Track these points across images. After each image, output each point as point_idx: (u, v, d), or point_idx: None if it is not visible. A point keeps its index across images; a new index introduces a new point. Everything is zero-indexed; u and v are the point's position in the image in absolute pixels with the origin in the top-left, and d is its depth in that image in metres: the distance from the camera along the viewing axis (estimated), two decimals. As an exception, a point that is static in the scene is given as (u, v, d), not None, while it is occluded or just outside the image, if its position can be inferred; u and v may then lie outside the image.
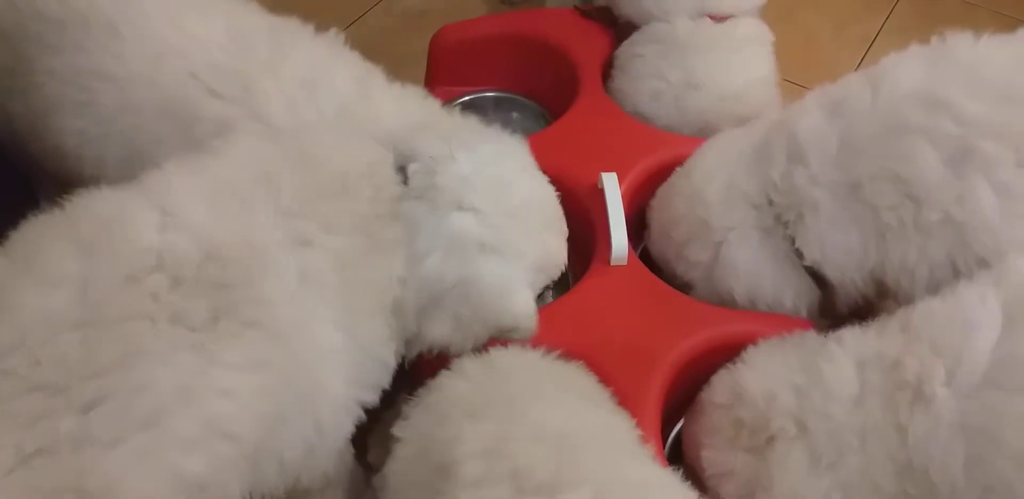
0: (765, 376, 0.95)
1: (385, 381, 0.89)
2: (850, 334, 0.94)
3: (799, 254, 1.06)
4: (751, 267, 1.10)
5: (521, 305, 0.93)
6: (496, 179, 0.93)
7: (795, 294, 1.09)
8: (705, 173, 1.14)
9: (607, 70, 1.41)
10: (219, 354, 0.73)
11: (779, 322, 1.08)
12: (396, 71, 1.72)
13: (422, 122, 1.04)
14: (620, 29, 1.41)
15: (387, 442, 0.89)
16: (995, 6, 1.90)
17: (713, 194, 1.12)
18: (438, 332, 0.91)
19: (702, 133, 1.30)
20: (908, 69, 1.04)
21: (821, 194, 1.03)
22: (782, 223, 1.07)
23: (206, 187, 0.80)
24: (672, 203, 1.17)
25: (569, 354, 1.03)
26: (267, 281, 0.77)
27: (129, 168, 0.90)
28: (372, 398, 0.88)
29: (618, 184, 1.16)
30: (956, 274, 0.99)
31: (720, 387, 1.00)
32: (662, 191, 1.22)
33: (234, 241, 0.77)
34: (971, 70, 1.01)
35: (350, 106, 1.05)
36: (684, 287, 1.17)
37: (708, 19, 1.33)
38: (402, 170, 0.92)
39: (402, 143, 0.94)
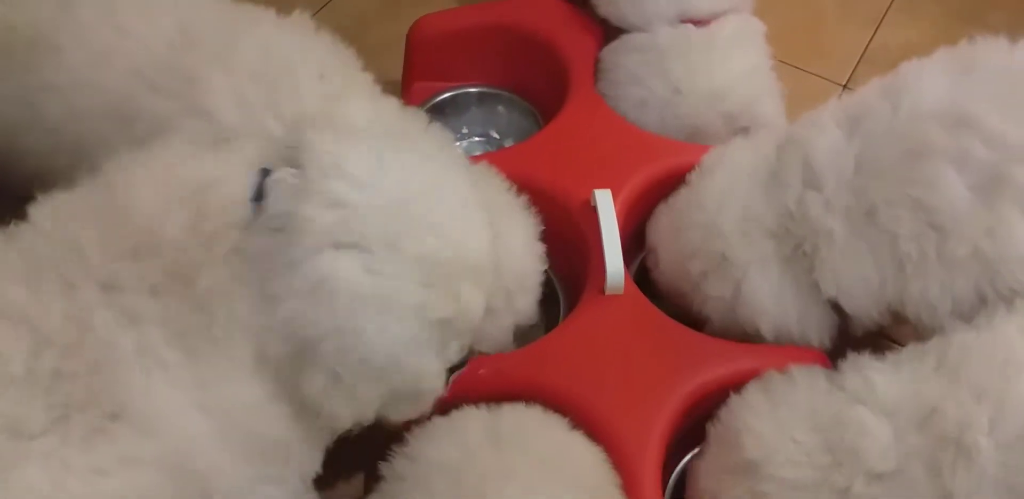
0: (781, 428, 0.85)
1: (289, 450, 0.75)
2: (879, 374, 0.84)
3: (818, 287, 0.99)
4: (775, 302, 1.01)
5: (420, 365, 0.75)
6: (402, 205, 0.72)
7: (819, 328, 1.02)
8: (718, 200, 1.04)
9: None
10: (77, 458, 0.62)
11: (793, 356, 0.99)
12: (371, 60, 1.61)
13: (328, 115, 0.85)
14: (601, 21, 1.31)
15: None
16: (1015, -19, 1.78)
17: (729, 225, 1.02)
18: (312, 389, 0.72)
19: (692, 139, 1.23)
20: (931, 81, 0.94)
21: (835, 222, 0.94)
22: (802, 253, 0.99)
23: (20, 263, 0.67)
24: (685, 235, 1.07)
25: (559, 397, 0.95)
26: (115, 367, 0.65)
27: (75, 173, 0.82)
28: (282, 472, 0.76)
29: (612, 202, 1.06)
30: (983, 302, 0.91)
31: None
32: (668, 218, 1.12)
33: (65, 324, 0.65)
34: (1005, 84, 0.91)
35: (311, 105, 0.95)
36: (698, 321, 1.08)
37: (690, 24, 1.24)
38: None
39: (284, 146, 0.75)
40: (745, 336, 1.04)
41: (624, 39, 1.26)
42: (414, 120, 0.97)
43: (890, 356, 0.87)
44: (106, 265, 0.67)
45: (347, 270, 0.69)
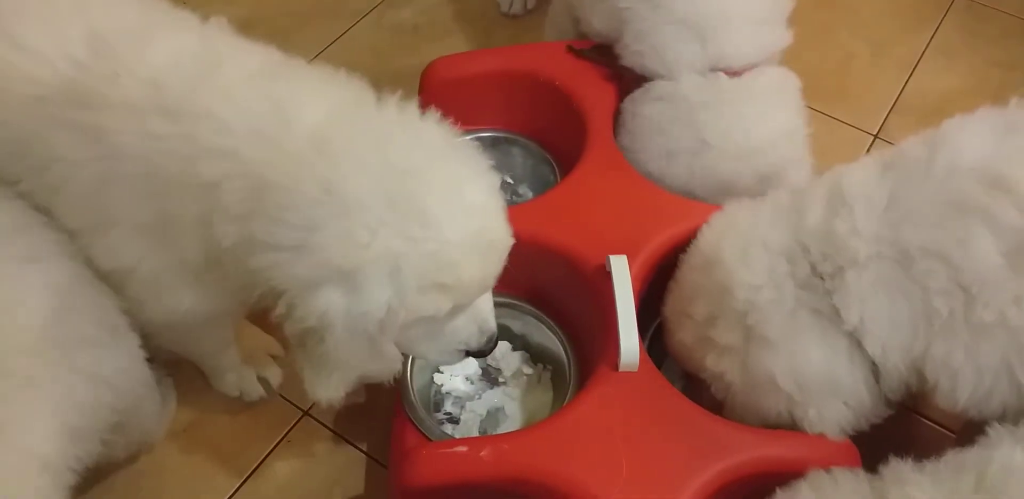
0: None
1: None
2: (914, 485, 0.78)
3: (838, 314, 0.90)
4: (789, 331, 0.92)
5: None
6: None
7: (850, 366, 0.92)
8: (717, 237, 1.00)
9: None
10: None
11: (819, 445, 0.93)
12: (384, 93, 1.56)
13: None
14: (622, 72, 1.23)
15: None
16: (1054, 26, 1.71)
17: (730, 250, 0.96)
18: None
19: (721, 192, 1.16)
20: (973, 138, 0.89)
21: (864, 248, 0.88)
22: (818, 275, 0.91)
23: None
24: (685, 279, 1.03)
25: (565, 484, 0.89)
26: None
27: None
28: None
29: (628, 270, 0.99)
30: (1013, 383, 0.85)
31: None
32: (673, 282, 1.06)
33: None
34: None
35: (192, 85, 0.82)
36: (718, 406, 1.01)
37: (721, 74, 1.16)
38: None
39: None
40: (765, 408, 0.96)
41: (647, 88, 1.19)
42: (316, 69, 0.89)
43: (929, 467, 0.81)
44: None
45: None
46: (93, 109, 0.82)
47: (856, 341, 0.90)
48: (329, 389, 0.84)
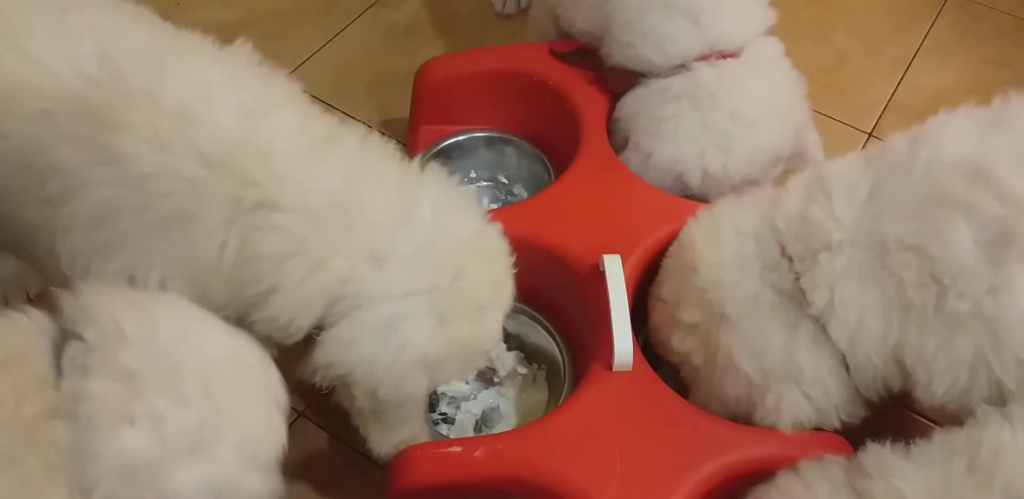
0: None
1: None
2: (901, 476, 0.77)
3: (804, 297, 0.91)
4: (750, 310, 0.94)
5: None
6: (175, 361, 0.69)
7: (813, 352, 0.92)
8: (695, 225, 1.04)
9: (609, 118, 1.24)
10: None
11: (812, 442, 0.92)
12: (378, 94, 1.57)
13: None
14: (608, 74, 1.23)
15: None
16: (1049, 23, 1.71)
17: (701, 232, 1.00)
18: None
19: (771, 166, 1.19)
20: (955, 133, 0.91)
21: (839, 232, 0.90)
22: (787, 257, 0.93)
23: None
24: (663, 265, 1.06)
25: (559, 484, 0.89)
26: None
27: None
28: None
29: (622, 269, 1.00)
30: (991, 378, 0.85)
31: None
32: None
33: None
34: None
35: (232, 140, 0.84)
36: (686, 389, 1.02)
37: (726, 59, 1.16)
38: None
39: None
40: (727, 396, 0.97)
41: (659, 87, 1.17)
42: (349, 133, 0.91)
43: (915, 450, 0.80)
44: None
45: (140, 444, 0.66)
46: (107, 128, 0.82)
47: (822, 327, 0.91)
48: (399, 439, 0.95)
